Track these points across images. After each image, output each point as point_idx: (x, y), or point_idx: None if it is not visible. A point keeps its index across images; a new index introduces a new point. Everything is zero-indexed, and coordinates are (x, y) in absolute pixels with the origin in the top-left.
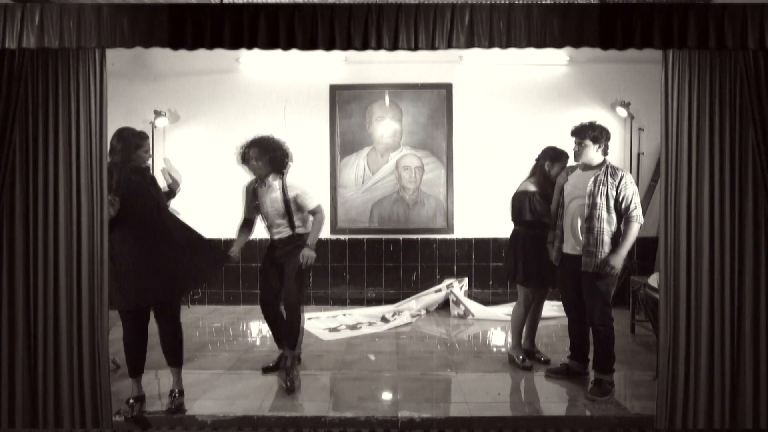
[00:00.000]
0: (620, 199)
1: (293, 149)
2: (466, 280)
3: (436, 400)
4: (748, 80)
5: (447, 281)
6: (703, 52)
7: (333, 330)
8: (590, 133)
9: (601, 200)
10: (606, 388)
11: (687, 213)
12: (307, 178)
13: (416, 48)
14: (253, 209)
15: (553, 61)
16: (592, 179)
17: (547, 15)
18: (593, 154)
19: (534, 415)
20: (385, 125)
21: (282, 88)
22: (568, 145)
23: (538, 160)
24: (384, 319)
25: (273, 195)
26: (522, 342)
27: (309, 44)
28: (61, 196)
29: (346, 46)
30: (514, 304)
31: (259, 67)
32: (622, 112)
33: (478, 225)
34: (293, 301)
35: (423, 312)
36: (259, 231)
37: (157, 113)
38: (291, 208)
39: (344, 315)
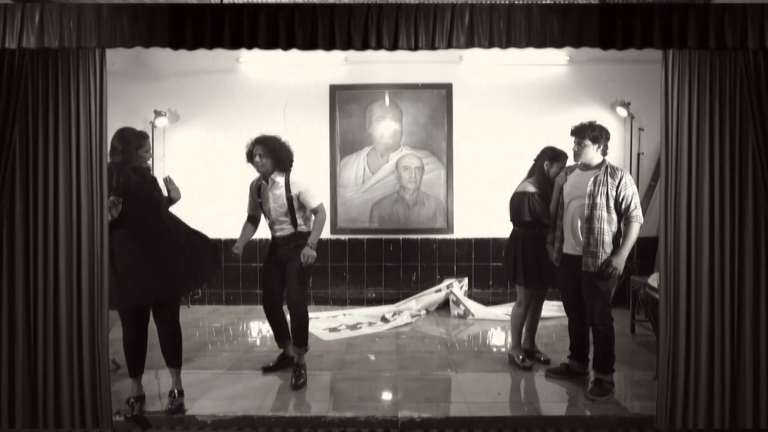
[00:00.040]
0: (620, 199)
1: (293, 149)
2: (466, 280)
3: (436, 400)
4: (748, 80)
5: (447, 281)
6: (703, 52)
7: (333, 330)
8: (590, 132)
9: (601, 200)
10: (606, 388)
11: (687, 213)
12: (308, 178)
13: (416, 48)
14: (257, 206)
15: (553, 61)
16: (591, 179)
17: (547, 15)
18: (593, 154)
19: (534, 415)
20: (385, 125)
21: (282, 88)
22: (568, 145)
23: (537, 160)
24: (384, 319)
25: (277, 192)
26: (522, 342)
27: (309, 44)
28: (61, 196)
29: (346, 46)
30: (513, 304)
31: (259, 67)
32: (622, 112)
33: (478, 225)
34: (297, 299)
35: (423, 312)
36: (259, 231)
37: (157, 113)
38: (294, 205)
39: (344, 315)
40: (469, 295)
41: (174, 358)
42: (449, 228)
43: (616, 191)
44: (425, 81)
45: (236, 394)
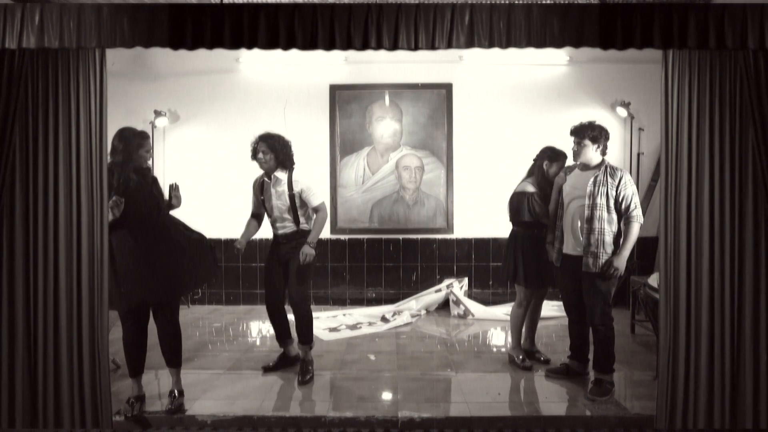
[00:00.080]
0: (620, 199)
1: (293, 149)
2: (466, 280)
3: (436, 400)
4: (748, 80)
5: (447, 281)
6: (703, 52)
7: (333, 330)
8: (589, 132)
9: (601, 200)
10: (606, 388)
11: (687, 213)
12: (310, 177)
13: (416, 48)
14: (260, 204)
15: (553, 61)
16: (591, 179)
17: (547, 15)
18: (592, 154)
19: (534, 415)
20: (385, 125)
21: (282, 88)
22: (568, 145)
23: (536, 160)
24: (384, 319)
25: (279, 189)
26: (522, 342)
27: (309, 44)
28: (61, 196)
29: (346, 46)
30: (513, 304)
31: (259, 67)
32: (622, 112)
33: (478, 225)
34: (299, 298)
35: (423, 312)
36: (260, 231)
37: (157, 113)
38: (296, 203)
39: (344, 315)
40: (469, 295)
41: (174, 358)
42: (449, 228)
43: (616, 191)
44: (425, 81)
45: (236, 394)
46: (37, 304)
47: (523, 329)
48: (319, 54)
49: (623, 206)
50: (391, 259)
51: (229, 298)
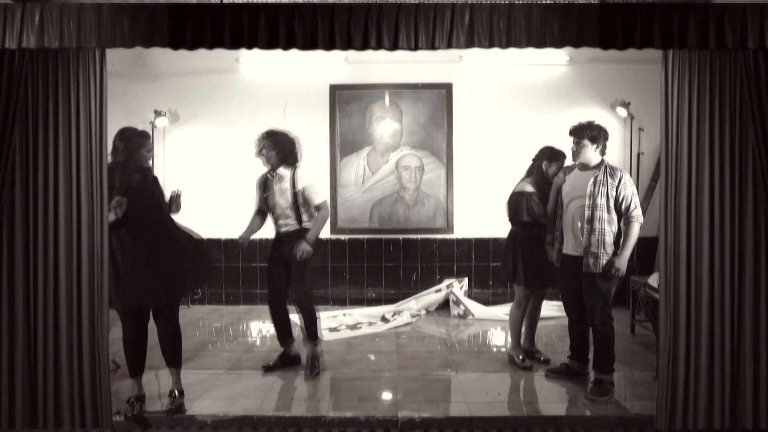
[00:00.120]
0: (620, 199)
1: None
2: (466, 280)
3: (436, 400)
4: (748, 80)
5: (447, 281)
6: (703, 52)
7: (333, 330)
8: (588, 132)
9: (601, 201)
10: (606, 388)
11: (687, 213)
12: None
13: (416, 48)
14: (263, 200)
15: (553, 61)
16: (591, 180)
17: (547, 15)
18: (591, 154)
19: (534, 415)
20: (385, 125)
21: (282, 88)
22: (568, 145)
23: (535, 159)
24: (384, 319)
25: (283, 186)
26: (522, 342)
27: (309, 44)
28: (61, 196)
29: (346, 46)
30: (512, 304)
31: (259, 67)
32: (622, 112)
33: (478, 225)
34: (302, 297)
35: (423, 312)
36: (259, 231)
37: (157, 113)
38: (298, 200)
39: (344, 315)
40: (469, 295)
41: (174, 358)
42: (449, 228)
43: (616, 191)
44: (425, 81)
45: (236, 394)
46: (37, 304)
47: (523, 329)
48: (319, 54)
49: (623, 206)
50: (391, 259)
51: (229, 298)
